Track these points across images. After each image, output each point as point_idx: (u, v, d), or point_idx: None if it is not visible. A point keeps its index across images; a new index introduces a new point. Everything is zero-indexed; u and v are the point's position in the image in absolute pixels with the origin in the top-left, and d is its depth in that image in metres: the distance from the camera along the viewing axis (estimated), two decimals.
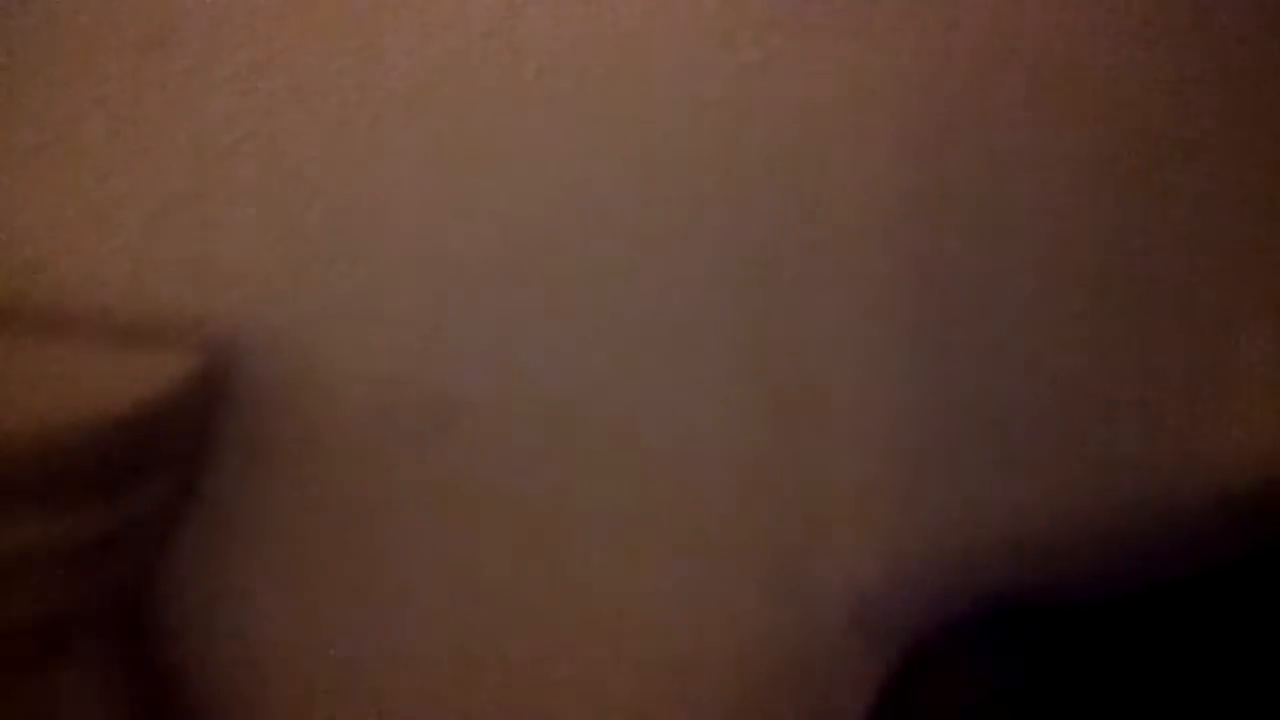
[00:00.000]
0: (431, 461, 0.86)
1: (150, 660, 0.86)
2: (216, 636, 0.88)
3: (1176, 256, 0.88)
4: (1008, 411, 0.88)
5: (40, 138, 0.76)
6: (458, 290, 0.84)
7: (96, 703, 0.80)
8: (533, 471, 0.87)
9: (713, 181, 0.84)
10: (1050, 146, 0.85)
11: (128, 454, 0.75)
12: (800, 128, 0.83)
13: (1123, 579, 0.87)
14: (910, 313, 0.87)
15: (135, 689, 0.83)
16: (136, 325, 0.79)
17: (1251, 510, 0.89)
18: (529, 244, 0.84)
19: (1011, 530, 0.89)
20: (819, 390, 0.87)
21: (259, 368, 0.81)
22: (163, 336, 0.79)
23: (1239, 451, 0.90)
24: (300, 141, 0.79)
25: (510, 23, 0.79)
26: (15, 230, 0.77)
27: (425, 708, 0.94)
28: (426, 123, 0.81)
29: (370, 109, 0.79)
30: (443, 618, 0.91)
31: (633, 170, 0.83)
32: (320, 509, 0.85)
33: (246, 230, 0.79)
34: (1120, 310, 0.89)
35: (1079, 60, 0.83)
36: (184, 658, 0.88)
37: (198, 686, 0.89)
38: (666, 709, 0.92)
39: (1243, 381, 0.89)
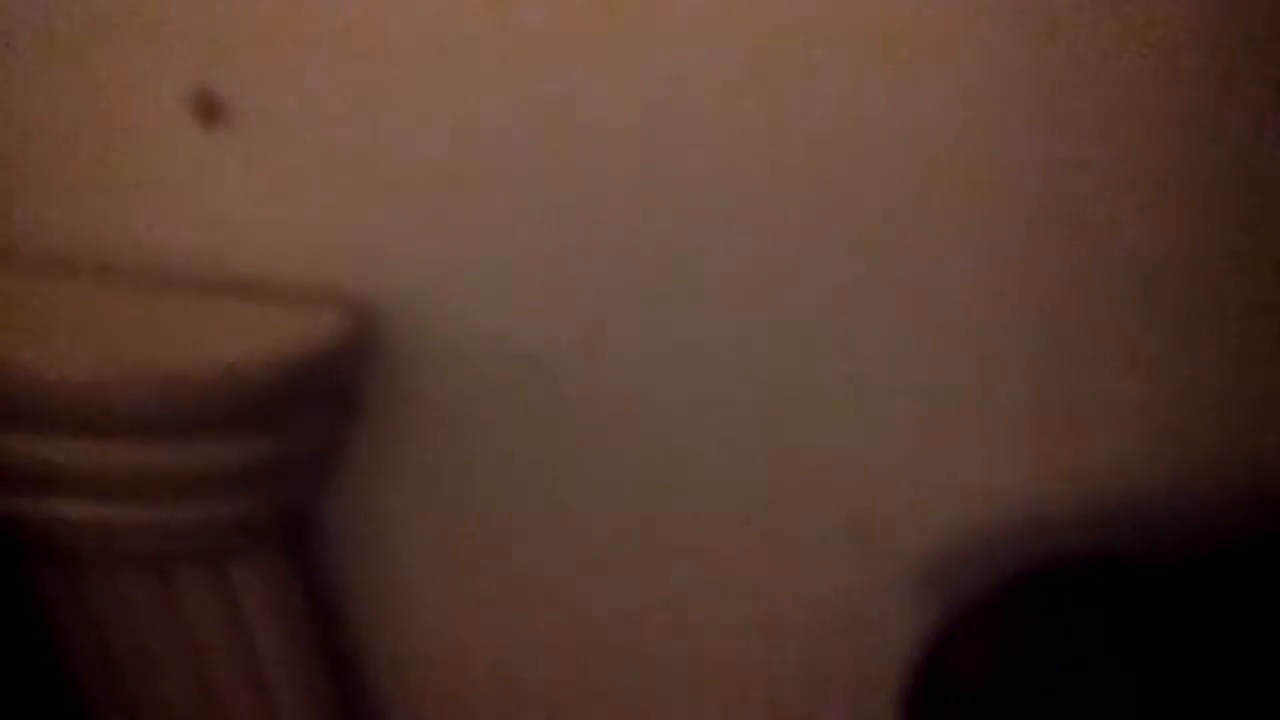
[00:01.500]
0: (564, 399, 0.98)
1: (312, 572, 1.03)
2: (369, 560, 1.05)
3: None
4: (1078, 377, 0.92)
5: (229, 138, 0.95)
6: (587, 246, 0.94)
7: (267, 599, 0.98)
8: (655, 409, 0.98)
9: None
10: None
11: (292, 394, 0.93)
12: None
13: (1189, 544, 0.89)
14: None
15: (298, 595, 1.01)
16: (298, 287, 0.96)
17: None
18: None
19: (1082, 492, 0.93)
20: (896, 355, 0.94)
21: (401, 323, 0.97)
22: (320, 297, 0.95)
23: None
24: (438, 122, 0.92)
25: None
26: (205, 208, 0.96)
27: (563, 640, 1.07)
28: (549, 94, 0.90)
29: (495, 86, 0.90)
30: (575, 552, 1.04)
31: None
32: (459, 446, 1.00)
33: (390, 205, 0.94)
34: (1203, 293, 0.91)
35: None
36: (341, 577, 1.05)
37: (351, 605, 1.06)
38: (748, 654, 1.02)
39: None
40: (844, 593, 0.99)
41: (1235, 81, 0.84)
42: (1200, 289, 0.88)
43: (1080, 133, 0.86)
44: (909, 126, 0.87)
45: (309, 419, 0.95)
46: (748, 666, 1.05)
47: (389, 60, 0.91)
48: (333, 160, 0.94)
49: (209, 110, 0.92)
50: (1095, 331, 0.91)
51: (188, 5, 0.91)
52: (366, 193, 0.95)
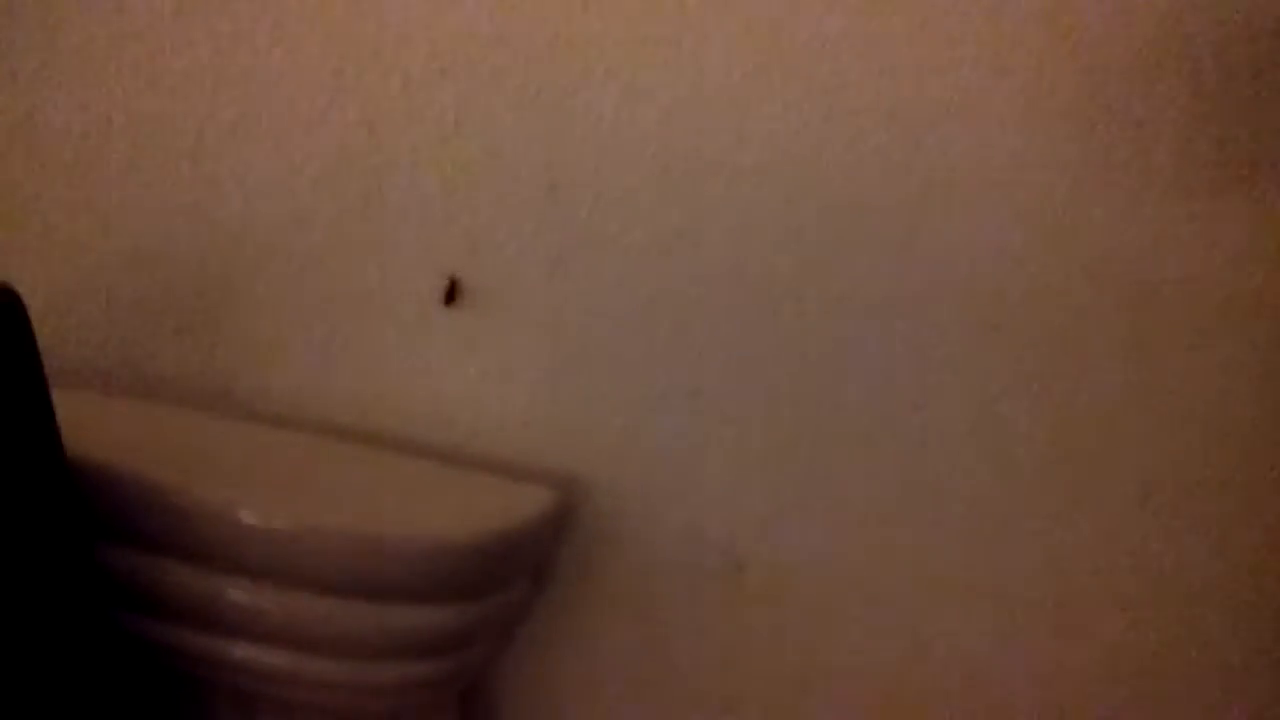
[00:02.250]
0: (731, 597, 1.01)
1: None
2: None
3: None
4: None
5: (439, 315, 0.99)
6: (766, 449, 0.98)
7: None
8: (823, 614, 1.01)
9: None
10: None
11: (491, 566, 0.95)
12: None
13: None
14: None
15: None
16: (507, 461, 0.98)
17: None
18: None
19: None
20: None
21: (596, 505, 0.99)
22: (527, 473, 0.98)
23: None
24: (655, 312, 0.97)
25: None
26: (435, 389, 0.99)
27: None
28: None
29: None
30: None
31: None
32: (630, 623, 1.02)
33: (594, 395, 0.98)
34: None
35: None
36: None
37: None
38: None
39: None
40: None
41: None
42: None
43: None
44: None
45: (504, 590, 0.97)
46: None
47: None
48: (548, 340, 0.98)
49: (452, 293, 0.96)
50: None
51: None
52: (579, 373, 0.98)
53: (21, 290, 0.74)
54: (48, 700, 0.80)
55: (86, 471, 0.84)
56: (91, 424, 0.93)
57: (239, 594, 0.92)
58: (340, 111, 0.97)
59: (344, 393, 1.00)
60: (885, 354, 0.95)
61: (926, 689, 1.01)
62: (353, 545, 0.91)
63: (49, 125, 1.02)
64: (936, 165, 0.90)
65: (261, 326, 1.01)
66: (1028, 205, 0.90)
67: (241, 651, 0.94)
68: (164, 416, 1.03)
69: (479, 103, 0.96)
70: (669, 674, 1.03)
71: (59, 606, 0.81)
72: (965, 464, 0.96)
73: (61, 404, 0.78)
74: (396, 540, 0.91)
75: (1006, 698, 0.99)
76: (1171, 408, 0.91)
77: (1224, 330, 0.89)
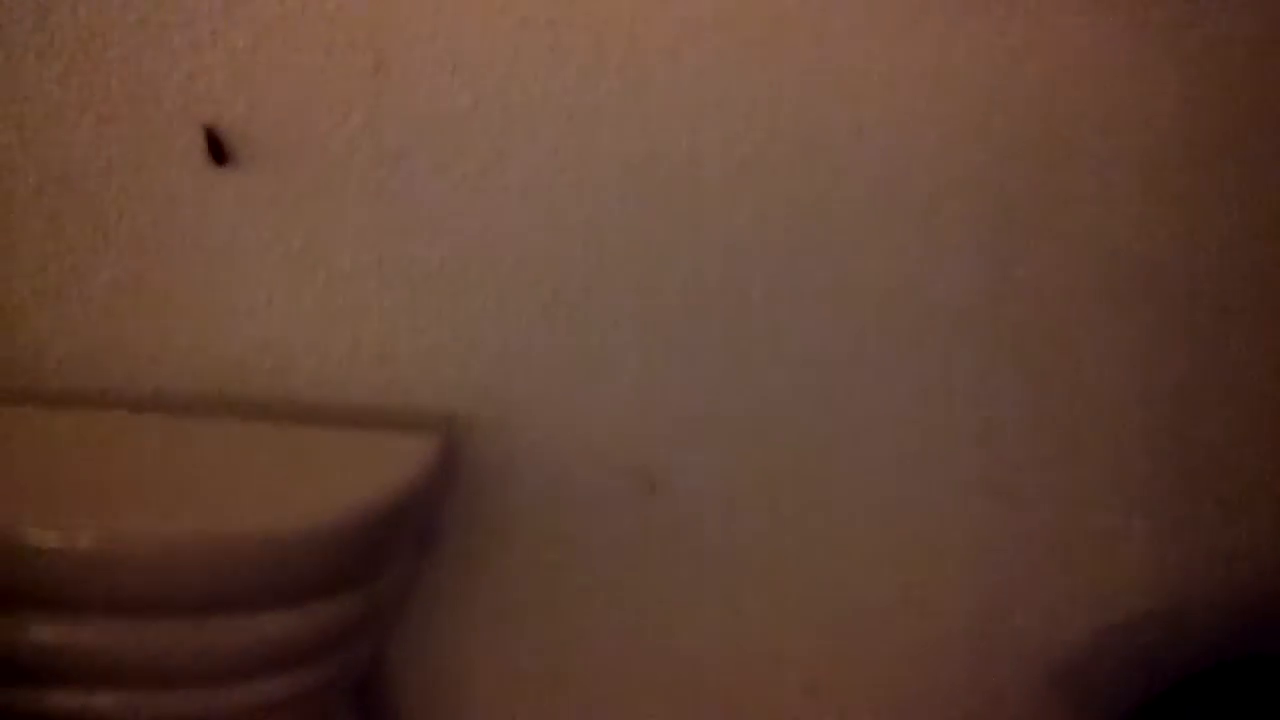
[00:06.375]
0: (644, 524, 0.86)
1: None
2: (438, 696, 0.90)
3: None
4: (1221, 462, 0.87)
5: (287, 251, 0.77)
6: (667, 364, 0.84)
7: None
8: (738, 531, 0.88)
9: None
10: None
11: (368, 544, 0.76)
12: None
13: None
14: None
15: None
16: (373, 412, 0.79)
17: None
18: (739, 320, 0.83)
19: (1215, 585, 0.89)
20: (1026, 448, 0.86)
21: (482, 447, 0.82)
22: (398, 422, 0.79)
23: None
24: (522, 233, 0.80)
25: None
26: (264, 333, 0.77)
27: None
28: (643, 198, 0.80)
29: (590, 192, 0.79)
30: (658, 684, 0.92)
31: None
32: (537, 576, 0.86)
33: (469, 319, 0.80)
34: None
35: None
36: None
37: None
38: None
39: None
40: (970, 694, 0.92)
41: None
42: None
43: None
44: None
45: (386, 569, 0.78)
46: None
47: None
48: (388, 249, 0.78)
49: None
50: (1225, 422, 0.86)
51: None
52: (432, 290, 0.79)
53: None
54: None
55: None
56: None
57: (42, 632, 0.71)
58: None
59: (128, 346, 0.77)
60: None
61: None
62: (184, 554, 0.71)
63: None
64: None
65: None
66: None
67: (57, 700, 0.73)
68: None
69: None
70: (585, 613, 0.88)
71: None
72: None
73: None
74: (236, 540, 0.71)
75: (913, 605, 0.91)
76: None
77: None
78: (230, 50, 0.77)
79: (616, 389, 0.84)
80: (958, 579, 0.89)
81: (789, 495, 0.87)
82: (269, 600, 0.73)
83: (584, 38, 0.77)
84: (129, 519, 0.71)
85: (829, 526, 0.88)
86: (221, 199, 0.78)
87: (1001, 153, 0.79)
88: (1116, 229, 0.81)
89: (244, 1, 0.76)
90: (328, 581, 0.74)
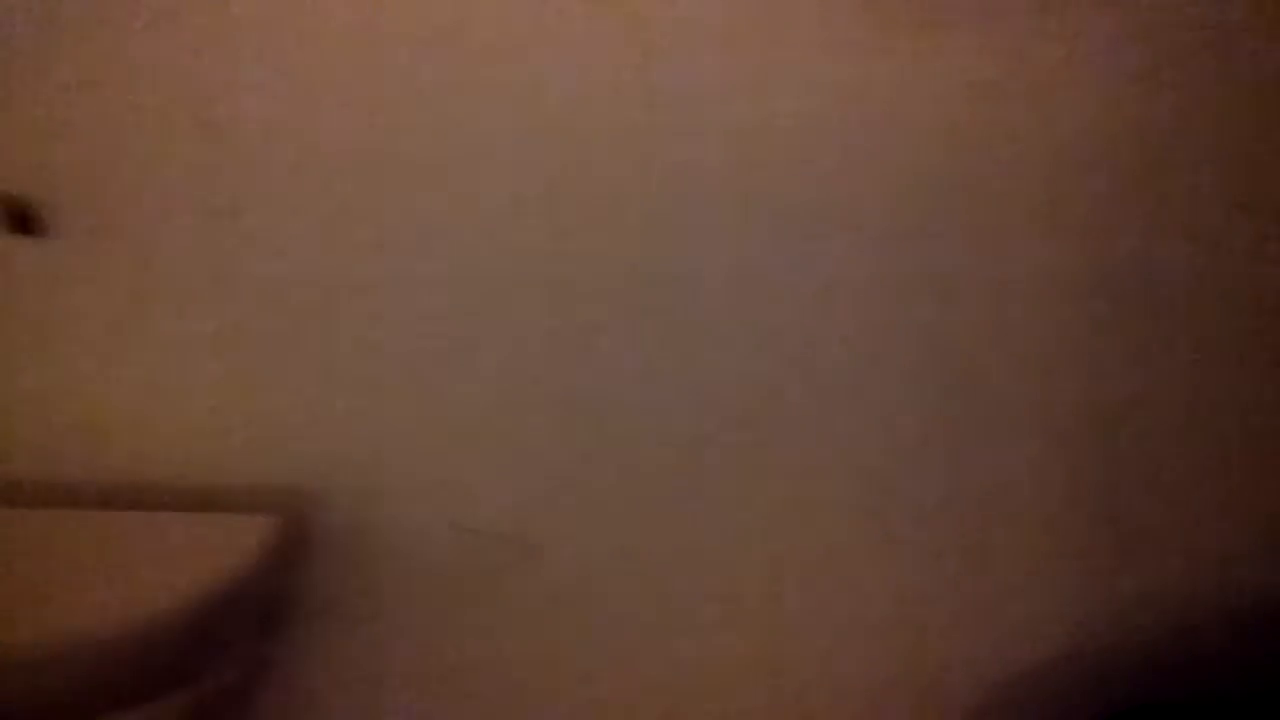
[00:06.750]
0: (507, 601, 0.81)
1: None
2: None
3: None
4: (1122, 511, 0.82)
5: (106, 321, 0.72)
6: (528, 433, 0.79)
7: None
8: (608, 604, 0.82)
9: None
10: None
11: (209, 630, 0.70)
12: None
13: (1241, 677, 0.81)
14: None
15: None
16: (213, 494, 0.74)
17: None
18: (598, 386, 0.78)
19: (1127, 629, 0.83)
20: (937, 497, 0.81)
21: (331, 523, 0.76)
22: (238, 502, 0.74)
23: None
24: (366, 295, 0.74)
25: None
26: (96, 408, 0.73)
27: None
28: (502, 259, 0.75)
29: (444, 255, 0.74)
30: None
31: None
32: (394, 656, 0.81)
33: (312, 391, 0.75)
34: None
35: None
36: None
37: None
38: None
39: None
40: None
41: None
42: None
43: None
44: None
45: (221, 660, 0.73)
46: None
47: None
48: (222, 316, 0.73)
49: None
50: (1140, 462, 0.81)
51: None
52: (268, 356, 0.74)
53: None
54: None
55: None
56: None
57: None
58: None
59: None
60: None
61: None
62: None
63: None
64: None
65: None
66: None
67: None
68: None
69: None
70: (462, 684, 0.82)
71: None
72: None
73: None
74: (41, 645, 0.66)
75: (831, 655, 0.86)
76: None
77: None
78: (35, 116, 0.72)
79: (485, 451, 0.79)
80: (878, 626, 0.84)
81: (665, 559, 0.82)
82: (99, 705, 0.68)
83: (415, 86, 0.72)
84: None
85: (721, 584, 0.82)
86: (33, 269, 0.74)
87: (993, 153, 0.75)
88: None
89: (56, 62, 0.72)
90: (152, 681, 0.69)
